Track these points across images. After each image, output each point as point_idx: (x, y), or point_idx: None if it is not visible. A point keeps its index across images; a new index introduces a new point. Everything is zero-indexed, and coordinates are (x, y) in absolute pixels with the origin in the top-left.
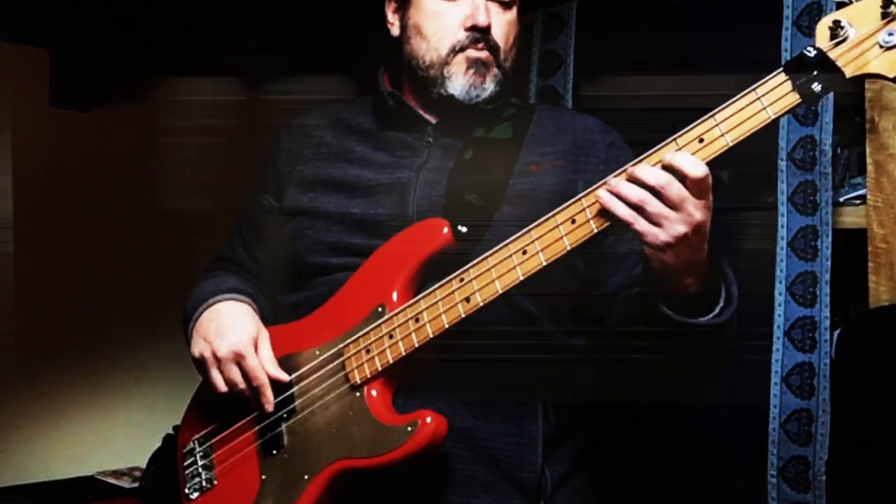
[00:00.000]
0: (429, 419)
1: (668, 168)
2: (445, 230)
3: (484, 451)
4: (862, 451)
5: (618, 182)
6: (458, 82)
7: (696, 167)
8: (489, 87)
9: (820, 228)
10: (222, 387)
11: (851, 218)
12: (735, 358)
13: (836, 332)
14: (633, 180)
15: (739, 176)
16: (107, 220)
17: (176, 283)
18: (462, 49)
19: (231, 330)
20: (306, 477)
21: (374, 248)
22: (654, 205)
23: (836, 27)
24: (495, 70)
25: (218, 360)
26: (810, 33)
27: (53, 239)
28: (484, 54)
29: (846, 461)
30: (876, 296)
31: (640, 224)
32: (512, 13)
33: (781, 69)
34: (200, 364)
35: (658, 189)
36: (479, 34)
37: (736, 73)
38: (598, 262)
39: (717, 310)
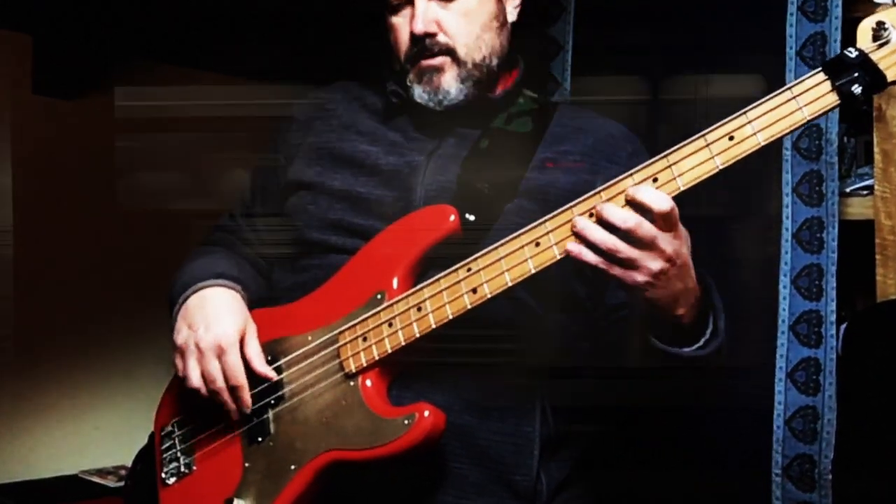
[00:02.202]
0: (427, 413)
1: (632, 203)
2: (452, 217)
3: (478, 450)
4: (869, 450)
5: (585, 227)
6: (419, 91)
7: (662, 201)
8: (451, 89)
9: (826, 220)
10: (196, 382)
11: (858, 209)
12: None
13: (843, 327)
14: (602, 222)
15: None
16: (92, 215)
17: (163, 280)
18: (414, 60)
19: (218, 321)
20: (293, 467)
21: (377, 230)
22: (625, 250)
23: (879, 29)
24: (456, 70)
25: (199, 350)
26: (816, 19)
27: (36, 233)
28: (435, 61)
29: (852, 460)
30: (883, 289)
31: (614, 270)
32: (465, 1)
33: (820, 69)
34: (180, 353)
35: (627, 231)
36: (424, 42)
37: (738, 62)
38: (598, 280)
39: (701, 342)
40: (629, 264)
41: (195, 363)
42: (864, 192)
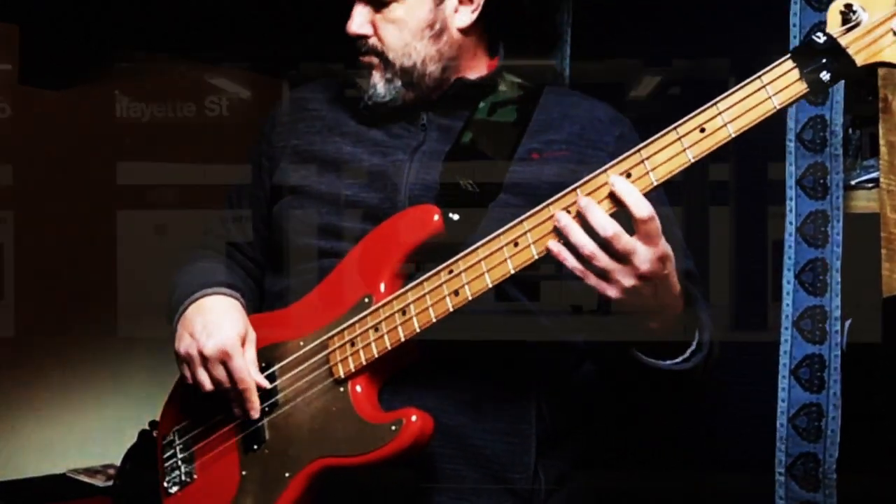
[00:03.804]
0: (414, 418)
1: (613, 197)
2: (436, 217)
3: (473, 450)
4: (874, 448)
5: (567, 226)
6: (361, 86)
7: (642, 207)
8: (378, 86)
9: (830, 213)
10: (209, 386)
11: (863, 202)
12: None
13: (848, 323)
14: (584, 222)
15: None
16: (79, 209)
17: (151, 276)
18: (356, 56)
19: (219, 328)
20: (287, 475)
21: (365, 232)
22: (602, 259)
23: (848, 11)
24: (382, 70)
25: (204, 358)
26: (820, 7)
27: (20, 228)
28: (365, 58)
29: (857, 458)
30: (889, 284)
31: (590, 279)
32: (393, 10)
33: (789, 56)
34: (185, 361)
35: (606, 240)
36: (357, 41)
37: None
38: None
39: (687, 353)
40: (603, 275)
41: (203, 370)
42: (870, 185)
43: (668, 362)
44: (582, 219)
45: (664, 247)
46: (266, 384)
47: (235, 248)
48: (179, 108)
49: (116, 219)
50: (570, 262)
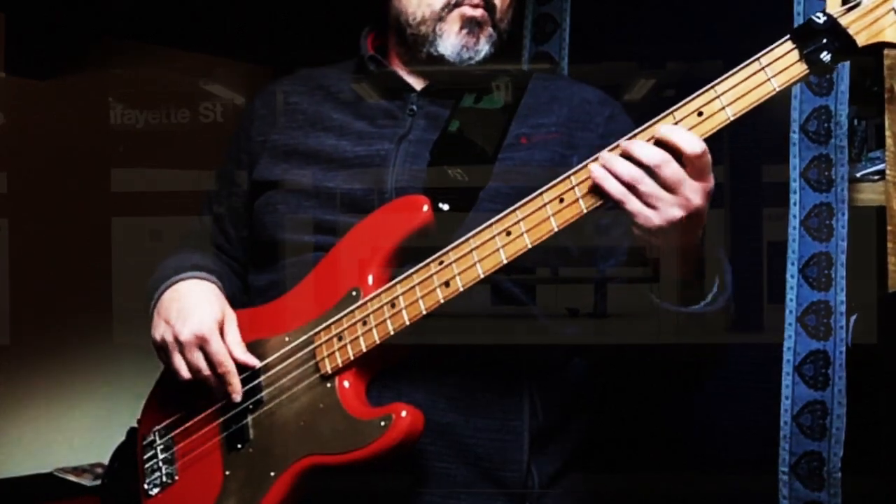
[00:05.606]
0: (404, 413)
1: (662, 143)
2: (425, 208)
3: (464, 447)
4: (880, 447)
5: (610, 157)
6: (450, 41)
7: (693, 143)
8: (483, 47)
9: (835, 206)
10: (186, 373)
11: (869, 195)
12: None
13: (853, 319)
14: (627, 156)
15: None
16: (69, 204)
17: (140, 272)
18: (457, 5)
19: (194, 312)
20: (272, 474)
21: (350, 225)
22: (647, 184)
23: None
24: (490, 30)
25: (180, 344)
26: None
27: (12, 226)
28: (479, 12)
29: (863, 457)
30: (895, 278)
31: (632, 204)
32: None
33: (788, 37)
34: (161, 349)
35: (653, 168)
36: None
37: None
38: (588, 247)
39: (709, 297)
40: (648, 202)
41: (180, 357)
42: (876, 178)
43: (697, 308)
44: (626, 157)
45: (712, 182)
46: (255, 362)
47: (216, 246)
48: (174, 115)
49: (102, 213)
50: (611, 184)
